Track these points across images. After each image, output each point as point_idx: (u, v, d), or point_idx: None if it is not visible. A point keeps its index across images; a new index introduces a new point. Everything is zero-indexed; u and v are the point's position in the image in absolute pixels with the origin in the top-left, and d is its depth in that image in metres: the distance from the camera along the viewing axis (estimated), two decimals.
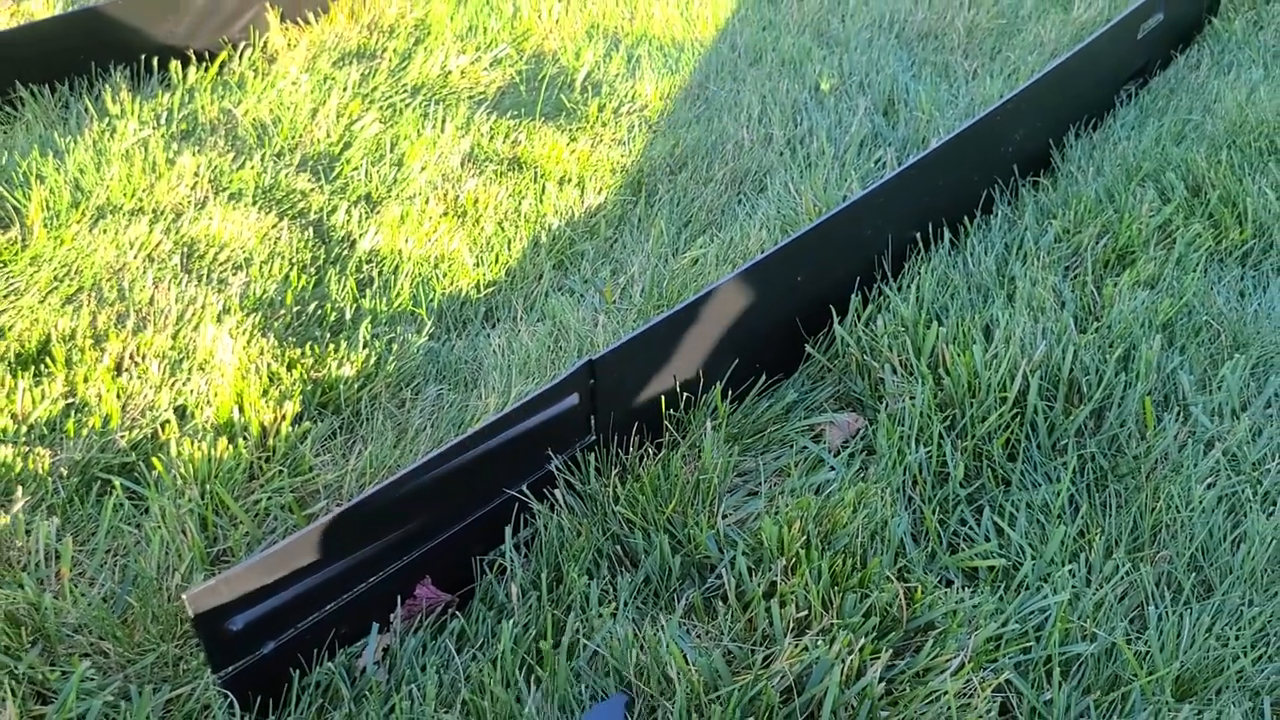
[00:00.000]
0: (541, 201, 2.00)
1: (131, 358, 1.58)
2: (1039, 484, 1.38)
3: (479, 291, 1.79)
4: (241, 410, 1.47)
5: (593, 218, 1.98)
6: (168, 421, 1.47)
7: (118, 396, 1.50)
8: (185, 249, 1.80)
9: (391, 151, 2.12)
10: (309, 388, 1.54)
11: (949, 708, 1.09)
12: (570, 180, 2.08)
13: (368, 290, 1.76)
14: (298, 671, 1.13)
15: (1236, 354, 1.57)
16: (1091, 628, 1.20)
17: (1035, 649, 1.17)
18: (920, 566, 1.27)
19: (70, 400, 1.50)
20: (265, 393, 1.52)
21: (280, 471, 1.40)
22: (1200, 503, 1.33)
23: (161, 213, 1.89)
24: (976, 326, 1.57)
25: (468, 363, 1.64)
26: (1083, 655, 1.17)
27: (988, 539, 1.31)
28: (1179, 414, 1.47)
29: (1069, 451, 1.41)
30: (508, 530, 1.26)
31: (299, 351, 1.59)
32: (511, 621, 1.17)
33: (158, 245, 1.80)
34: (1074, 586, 1.24)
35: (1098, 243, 1.80)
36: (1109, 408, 1.47)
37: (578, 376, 1.28)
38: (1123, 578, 1.26)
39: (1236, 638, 1.19)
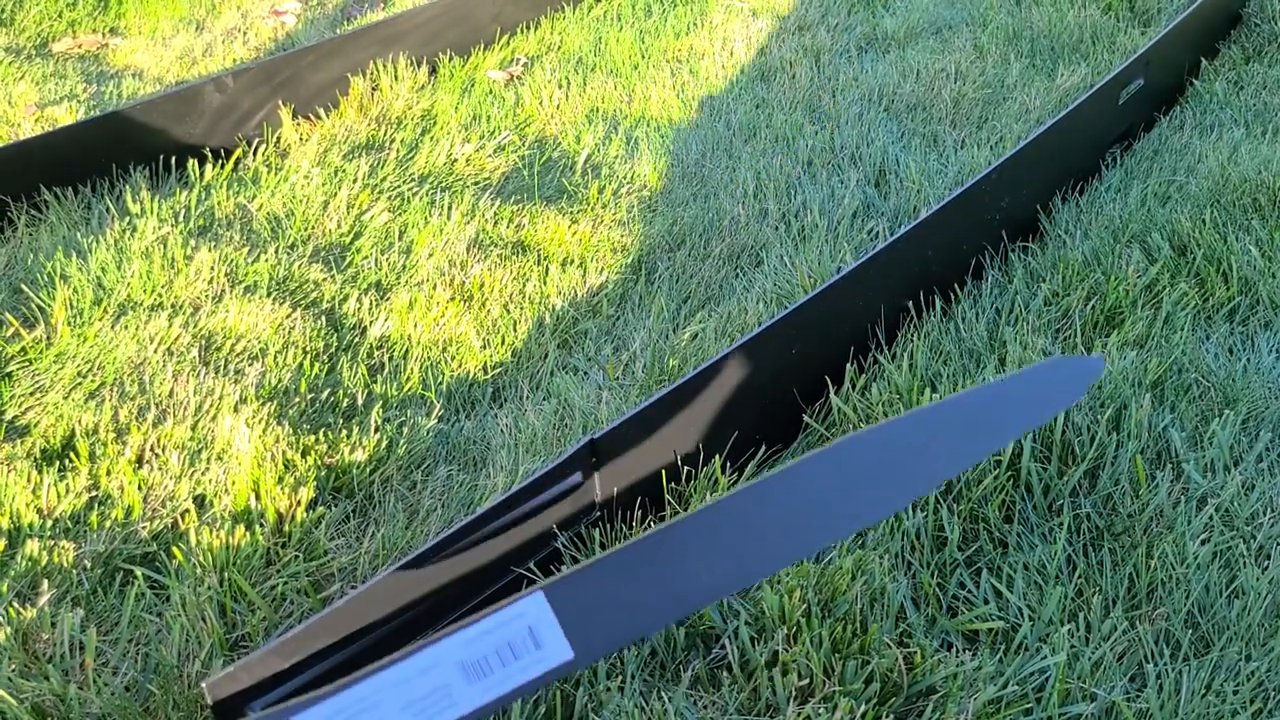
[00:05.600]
0: (545, 283, 2.07)
1: (152, 449, 1.64)
2: (1035, 545, 1.41)
3: (486, 373, 1.85)
4: (258, 498, 1.52)
5: (595, 297, 2.04)
6: (187, 511, 1.52)
7: (139, 488, 1.55)
8: (203, 341, 1.87)
9: (400, 239, 2.20)
10: (323, 473, 1.59)
11: None
12: (573, 261, 2.15)
13: (378, 376, 1.82)
14: None
15: (1226, 410, 1.61)
16: (1091, 687, 1.22)
17: (1036, 710, 1.20)
18: (920, 631, 1.29)
19: (94, 493, 1.55)
20: (281, 480, 1.57)
21: (296, 556, 1.45)
22: (1195, 559, 1.35)
23: (180, 307, 1.96)
24: None
25: (476, 443, 1.69)
26: (1083, 715, 1.19)
27: (986, 601, 1.34)
28: (1172, 471, 1.50)
29: (1064, 512, 1.44)
30: None
31: (313, 438, 1.65)
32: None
33: (176, 339, 1.87)
34: (1073, 646, 1.27)
35: (1086, 304, 1.85)
36: (1102, 467, 1.51)
37: (579, 455, 1.33)
38: (1121, 636, 1.28)
39: (1235, 693, 1.21)
